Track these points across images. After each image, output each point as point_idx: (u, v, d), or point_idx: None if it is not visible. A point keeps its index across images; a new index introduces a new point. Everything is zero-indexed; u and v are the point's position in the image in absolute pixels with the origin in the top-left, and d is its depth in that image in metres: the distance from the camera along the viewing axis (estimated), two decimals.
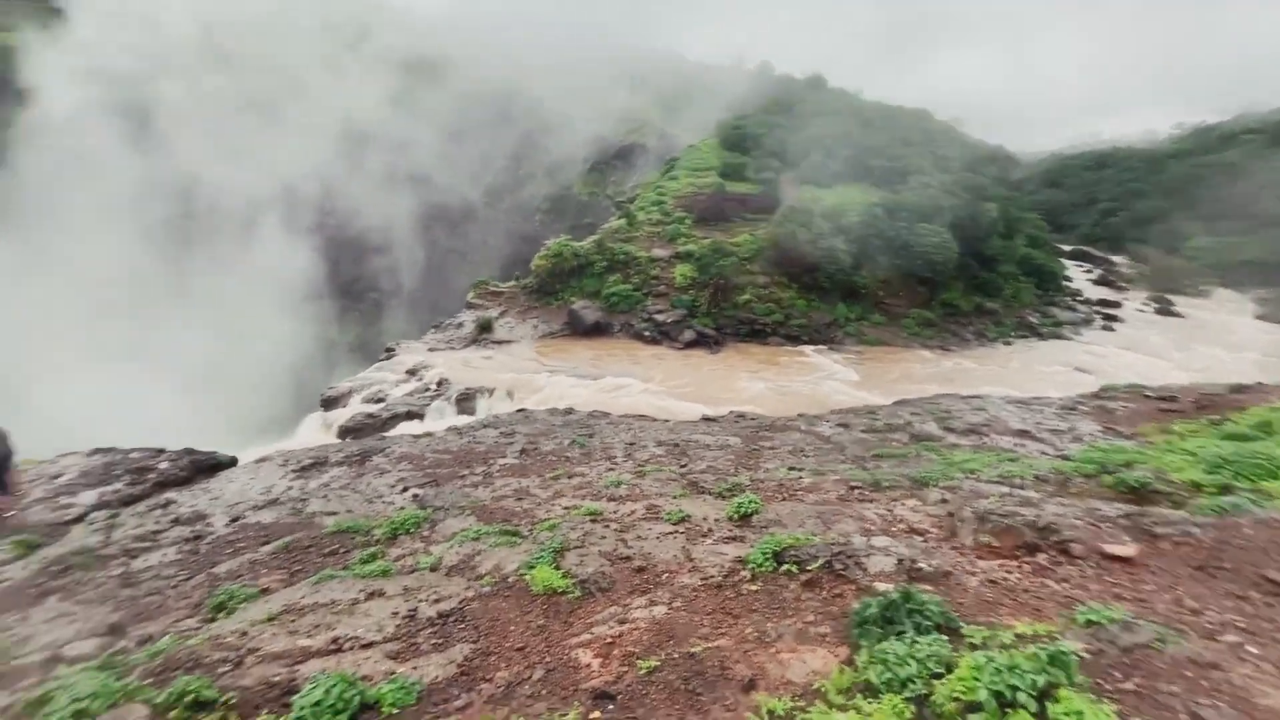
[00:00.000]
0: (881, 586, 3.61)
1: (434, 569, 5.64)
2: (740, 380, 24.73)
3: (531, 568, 4.73)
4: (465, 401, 20.88)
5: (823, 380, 25.56)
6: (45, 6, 54.38)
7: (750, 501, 5.51)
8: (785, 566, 4.11)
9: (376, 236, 51.82)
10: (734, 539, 4.94)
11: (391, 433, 16.55)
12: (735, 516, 5.35)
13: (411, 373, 22.64)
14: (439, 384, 21.70)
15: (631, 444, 12.38)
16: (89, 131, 50.17)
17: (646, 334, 28.20)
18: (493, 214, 52.85)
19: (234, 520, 8.90)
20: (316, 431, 19.63)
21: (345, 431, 18.47)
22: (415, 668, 3.64)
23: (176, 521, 8.70)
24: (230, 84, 54.28)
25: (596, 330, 28.21)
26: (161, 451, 11.85)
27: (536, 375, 23.56)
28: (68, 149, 49.01)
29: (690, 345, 28.04)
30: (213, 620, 4.84)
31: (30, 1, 54.78)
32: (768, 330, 30.01)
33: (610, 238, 32.93)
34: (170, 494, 10.35)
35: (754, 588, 4.02)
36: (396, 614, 4.41)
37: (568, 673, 3.44)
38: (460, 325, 27.68)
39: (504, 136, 54.48)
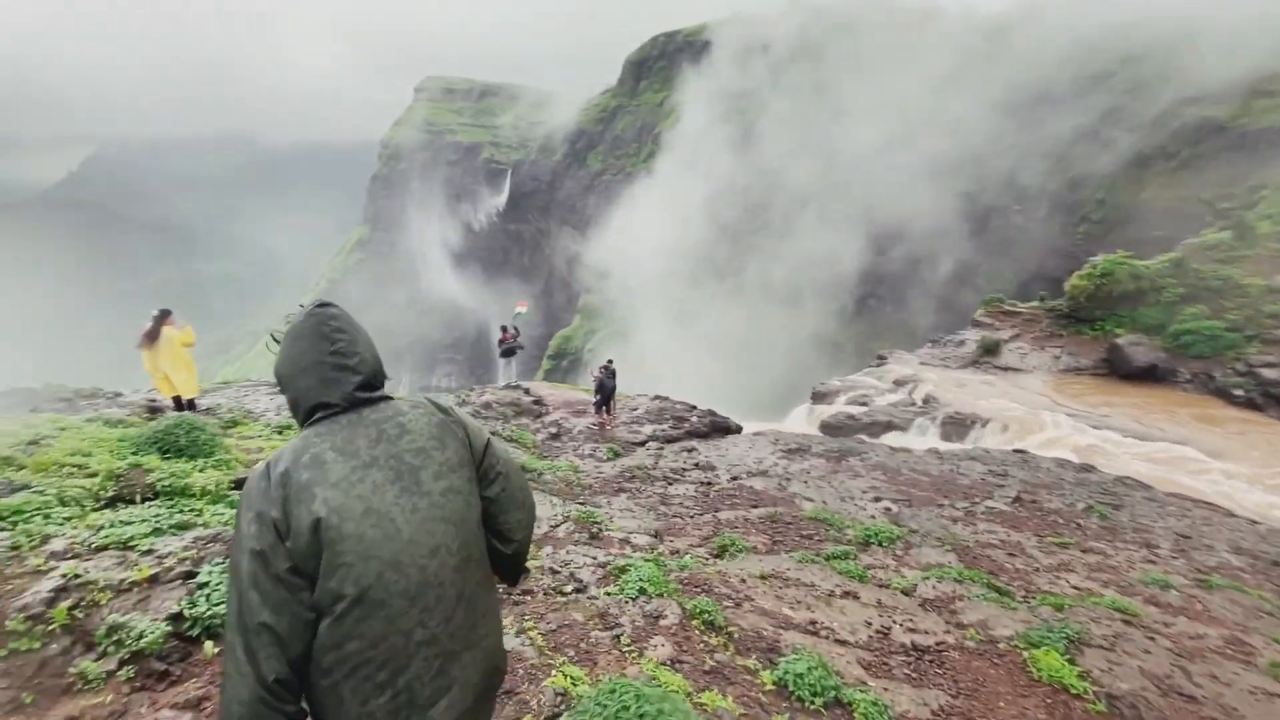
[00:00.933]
0: None
1: (907, 594, 5.40)
2: None
3: (1034, 645, 3.98)
4: (951, 425, 19.28)
5: None
6: (699, 42, 73.24)
7: None
8: None
9: (901, 237, 49.99)
10: None
11: (869, 439, 16.67)
12: None
13: (899, 384, 22.20)
14: (925, 401, 20.63)
15: (1185, 537, 9.13)
16: (706, 139, 64.99)
17: (1237, 393, 20.06)
18: (1025, 218, 45.27)
19: (733, 479, 10.57)
20: (802, 420, 21.45)
21: (826, 427, 19.59)
22: (886, 689, 3.55)
23: (697, 466, 10.90)
24: (813, 83, 59.72)
25: (1148, 375, 21.62)
26: (694, 408, 15.02)
27: (1045, 414, 19.74)
28: (689, 154, 65.32)
29: None
30: (719, 557, 5.84)
31: (691, 46, 74.61)
32: None
33: (1197, 256, 24.46)
34: (694, 443, 13.05)
35: None
36: (870, 624, 4.40)
37: None
38: (961, 343, 25.48)
39: (1060, 122, 45.01)
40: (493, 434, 1.63)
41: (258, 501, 1.30)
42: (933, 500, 9.92)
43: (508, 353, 15.56)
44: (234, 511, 3.99)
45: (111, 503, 4.05)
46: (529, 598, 3.98)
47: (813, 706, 3.14)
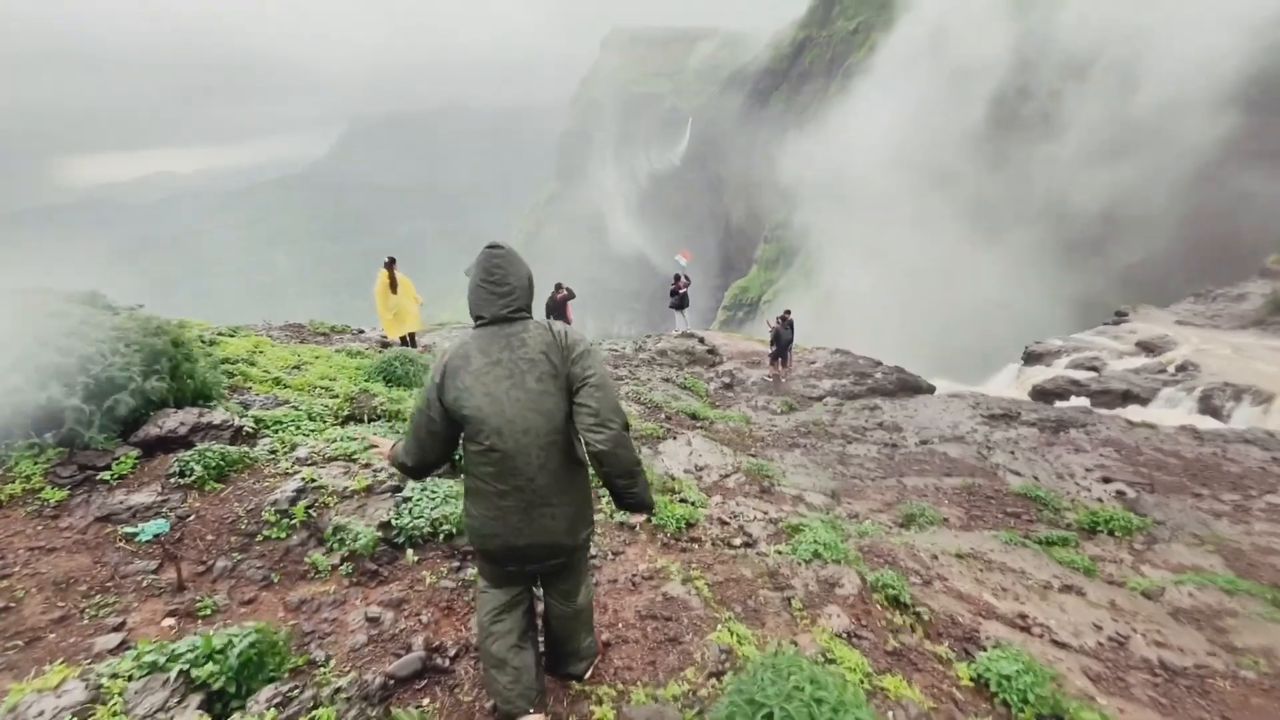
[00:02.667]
0: None
1: (1150, 597, 4.44)
2: None
3: None
4: (1215, 399, 15.62)
5: None
6: None
7: None
8: None
9: (1184, 140, 37.00)
10: None
11: (1098, 410, 14.11)
12: None
13: (1144, 346, 18.38)
14: (1181, 368, 16.89)
15: None
16: (953, 11, 56.05)
17: None
18: None
19: (923, 442, 9.58)
20: (1009, 383, 18.83)
21: (1039, 393, 16.98)
22: (1123, 711, 2.91)
23: (880, 426, 10.05)
24: None
25: None
26: (879, 364, 13.83)
27: None
28: (926, 35, 56.78)
29: None
30: (904, 527, 5.29)
31: None
32: None
33: None
34: (878, 400, 12.05)
35: None
36: (1099, 629, 3.66)
37: None
38: (1240, 297, 20.25)
39: None
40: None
41: (434, 368, 2.02)
42: (1185, 488, 8.13)
43: (680, 303, 15.56)
44: None
45: (345, 421, 4.71)
46: (696, 545, 3.91)
47: (1022, 716, 2.66)
